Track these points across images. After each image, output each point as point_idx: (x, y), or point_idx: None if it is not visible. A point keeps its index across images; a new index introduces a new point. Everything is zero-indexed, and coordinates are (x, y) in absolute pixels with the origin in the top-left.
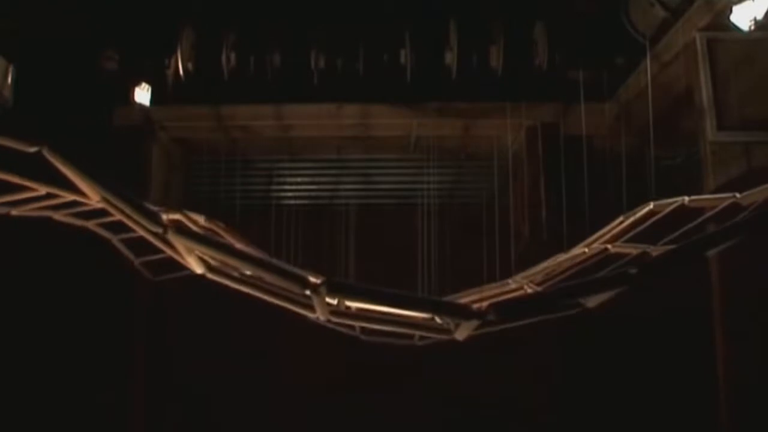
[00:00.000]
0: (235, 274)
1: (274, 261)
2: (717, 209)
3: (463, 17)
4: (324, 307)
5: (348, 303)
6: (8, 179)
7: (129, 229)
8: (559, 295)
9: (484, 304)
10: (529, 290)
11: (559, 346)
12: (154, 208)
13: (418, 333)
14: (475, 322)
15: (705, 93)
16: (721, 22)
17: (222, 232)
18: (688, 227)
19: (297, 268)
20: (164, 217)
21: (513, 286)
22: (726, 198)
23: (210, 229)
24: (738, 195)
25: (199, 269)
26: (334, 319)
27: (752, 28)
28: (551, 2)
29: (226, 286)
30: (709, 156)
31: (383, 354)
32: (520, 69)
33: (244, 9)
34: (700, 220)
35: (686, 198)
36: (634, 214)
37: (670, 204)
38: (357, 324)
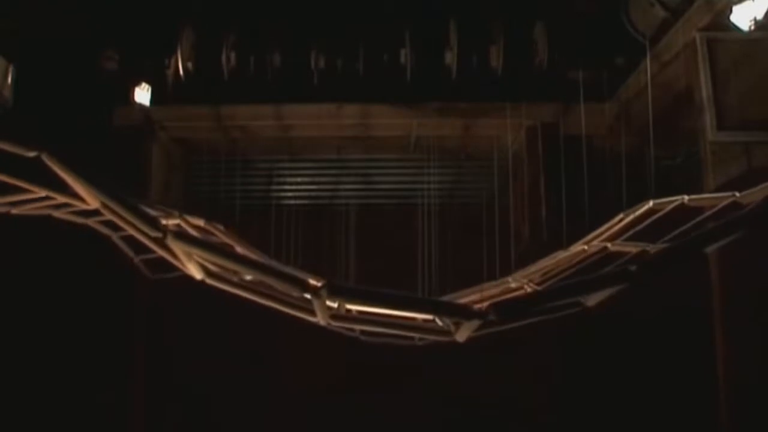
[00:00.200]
0: (235, 279)
1: (274, 265)
2: (716, 208)
3: (463, 17)
4: (324, 311)
5: (348, 306)
6: (9, 181)
7: None
8: (559, 293)
9: (485, 304)
10: (529, 290)
11: (559, 346)
12: (154, 212)
13: (418, 335)
14: (476, 323)
15: (705, 93)
16: (721, 22)
17: (221, 236)
18: (688, 226)
19: (297, 271)
20: (163, 222)
21: (513, 285)
22: (726, 197)
23: (209, 233)
24: (738, 194)
25: (198, 275)
26: (335, 323)
27: (752, 28)
28: (551, 2)
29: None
30: (709, 156)
31: (383, 354)
32: (520, 69)
33: (244, 9)
34: (699, 219)
35: (686, 197)
36: (634, 211)
37: (670, 203)
38: (357, 327)
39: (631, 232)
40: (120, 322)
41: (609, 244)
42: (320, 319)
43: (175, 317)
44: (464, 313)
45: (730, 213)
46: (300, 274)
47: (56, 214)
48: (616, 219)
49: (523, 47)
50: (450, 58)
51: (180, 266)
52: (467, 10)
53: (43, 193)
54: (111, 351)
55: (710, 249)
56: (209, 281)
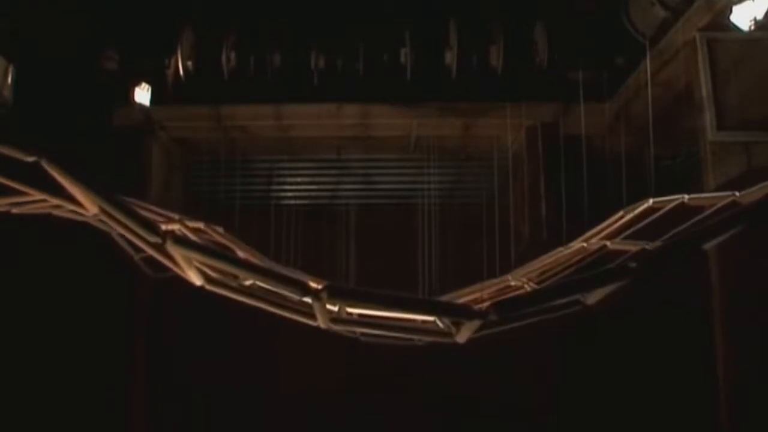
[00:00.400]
0: (234, 284)
1: (274, 268)
2: (716, 207)
3: (463, 17)
4: (325, 314)
5: (349, 310)
6: (8, 184)
7: None
8: (559, 291)
9: (485, 304)
10: (529, 289)
11: (559, 346)
12: (153, 216)
13: (419, 338)
14: (476, 323)
15: (705, 92)
16: (721, 21)
17: (221, 238)
18: (687, 225)
19: (297, 273)
20: (163, 227)
21: (513, 283)
22: (725, 196)
23: (209, 236)
24: (737, 194)
25: (198, 281)
26: (335, 327)
27: (752, 28)
28: (551, 2)
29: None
30: (709, 156)
31: (384, 355)
32: (520, 69)
33: (244, 9)
34: (698, 218)
35: (686, 196)
36: (634, 209)
37: (670, 201)
38: (358, 330)
39: (630, 231)
40: (120, 321)
41: (608, 243)
42: (321, 323)
43: (175, 317)
44: (465, 313)
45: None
46: (300, 277)
47: (56, 212)
48: (616, 216)
49: (523, 47)
50: (450, 58)
51: (179, 272)
52: (467, 10)
53: (42, 197)
54: (111, 351)
55: (709, 246)
56: (209, 287)
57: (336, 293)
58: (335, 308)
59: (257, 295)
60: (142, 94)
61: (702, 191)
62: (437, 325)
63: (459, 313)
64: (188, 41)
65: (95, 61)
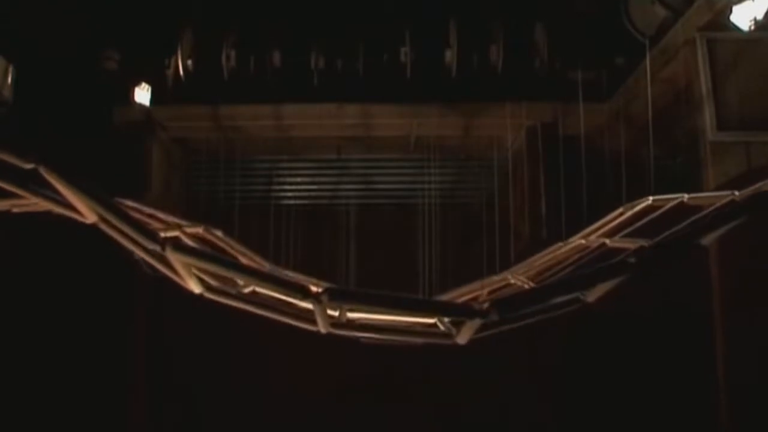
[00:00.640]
0: (233, 291)
1: (274, 272)
2: (715, 207)
3: (463, 17)
4: (325, 319)
5: (349, 315)
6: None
7: None
8: (560, 288)
9: (486, 304)
10: (527, 288)
11: (560, 346)
12: (153, 218)
13: (419, 340)
14: (477, 323)
15: (705, 92)
16: (721, 21)
17: (220, 243)
18: (685, 223)
19: (297, 275)
20: (162, 235)
21: (512, 281)
22: (725, 196)
23: (208, 241)
24: (737, 193)
25: (197, 289)
26: (335, 332)
27: (752, 28)
28: (551, 2)
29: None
30: (709, 156)
31: (384, 355)
32: (520, 69)
33: (244, 9)
34: (698, 217)
35: (686, 195)
36: (634, 206)
37: (670, 200)
38: (359, 334)
39: (629, 229)
40: (120, 322)
41: (607, 240)
42: (321, 328)
43: (175, 317)
44: (466, 312)
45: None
46: (300, 280)
47: (57, 209)
48: (616, 213)
49: (523, 47)
50: (450, 57)
51: (179, 280)
52: (467, 10)
53: (41, 201)
54: (111, 351)
55: (707, 240)
56: (208, 295)
57: (336, 296)
58: (336, 313)
59: (256, 302)
60: (142, 94)
61: (702, 191)
62: (438, 327)
63: (460, 313)
64: (188, 41)
65: (95, 61)
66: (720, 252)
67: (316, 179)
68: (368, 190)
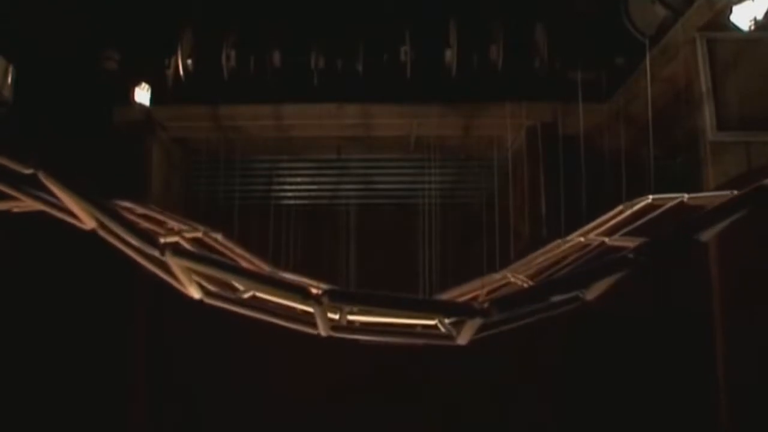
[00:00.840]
0: (233, 296)
1: (275, 275)
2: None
3: (463, 17)
4: (326, 321)
5: (350, 318)
6: (6, 191)
7: None
8: (559, 285)
9: (485, 303)
10: (526, 286)
11: (560, 346)
12: (152, 221)
13: (420, 342)
14: (478, 322)
15: (705, 92)
16: (721, 21)
17: (219, 247)
18: (685, 219)
19: (297, 277)
20: (162, 240)
21: (512, 280)
22: (725, 196)
23: (207, 245)
24: (737, 193)
25: (197, 294)
26: (336, 335)
27: (752, 28)
28: (551, 2)
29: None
30: (708, 156)
31: (383, 354)
32: (520, 69)
33: (244, 9)
34: (696, 215)
35: (686, 195)
36: (633, 205)
37: (670, 199)
38: (359, 337)
39: (629, 228)
40: (120, 321)
41: (606, 239)
42: (321, 331)
43: (175, 317)
44: (466, 311)
45: None
46: (300, 282)
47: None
48: (615, 211)
49: (523, 47)
50: (450, 57)
51: (178, 286)
52: (467, 10)
53: (40, 205)
54: (111, 351)
55: (707, 236)
56: (207, 300)
57: (337, 297)
58: (336, 316)
59: (256, 307)
60: (142, 94)
61: (702, 191)
62: (438, 329)
63: (460, 312)
64: (188, 41)
65: (95, 61)
66: (720, 251)
67: (316, 179)
68: (368, 190)
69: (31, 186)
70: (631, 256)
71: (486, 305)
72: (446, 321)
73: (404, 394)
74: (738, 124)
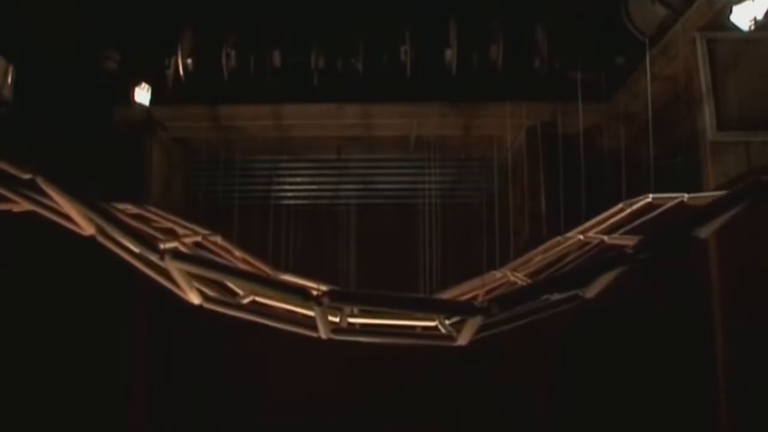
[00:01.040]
0: (233, 301)
1: (275, 277)
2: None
3: (463, 17)
4: (326, 324)
5: (350, 320)
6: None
7: None
8: (559, 282)
9: (485, 301)
10: (524, 285)
11: (560, 345)
12: (152, 226)
13: (420, 343)
14: (478, 320)
15: (705, 92)
16: (721, 21)
17: (219, 250)
18: (684, 215)
19: (297, 278)
20: (161, 246)
21: (512, 278)
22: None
23: (208, 248)
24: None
25: (196, 300)
26: (336, 337)
27: (752, 28)
28: (551, 2)
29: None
30: (708, 156)
31: (383, 354)
32: (520, 69)
33: (244, 9)
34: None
35: (686, 195)
36: (633, 204)
37: (670, 199)
38: (359, 339)
39: (628, 227)
40: (120, 321)
41: (606, 237)
42: (322, 333)
43: (175, 317)
44: (467, 309)
45: None
46: (300, 283)
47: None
48: (615, 209)
49: (523, 47)
50: (450, 57)
51: (177, 291)
52: (467, 10)
53: (39, 210)
54: (111, 351)
55: (706, 232)
56: (207, 305)
57: (337, 297)
58: (336, 318)
59: (256, 311)
60: (142, 94)
61: (701, 191)
62: (439, 329)
63: (460, 310)
64: (188, 41)
65: (95, 61)
66: (720, 251)
67: (316, 179)
68: (368, 190)
69: (30, 190)
70: (630, 252)
71: (486, 303)
72: (446, 322)
73: (404, 394)
74: (738, 124)
